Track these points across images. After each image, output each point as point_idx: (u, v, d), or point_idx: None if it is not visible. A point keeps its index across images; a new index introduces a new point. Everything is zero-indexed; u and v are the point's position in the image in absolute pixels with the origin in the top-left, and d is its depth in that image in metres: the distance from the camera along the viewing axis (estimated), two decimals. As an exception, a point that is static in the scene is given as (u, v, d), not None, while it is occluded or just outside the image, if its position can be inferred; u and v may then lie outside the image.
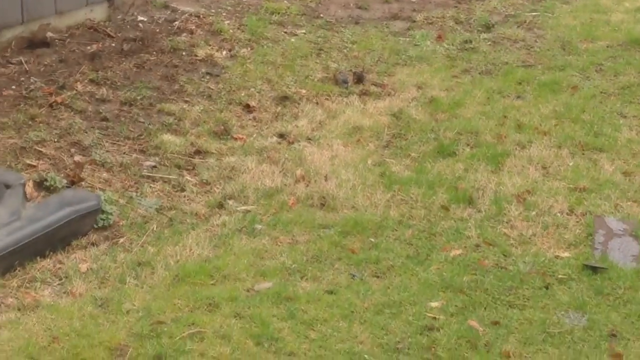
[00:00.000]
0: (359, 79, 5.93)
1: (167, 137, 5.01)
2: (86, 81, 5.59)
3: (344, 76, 5.96)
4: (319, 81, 5.95)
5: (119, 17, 6.79)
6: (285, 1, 7.50)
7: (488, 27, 7.13)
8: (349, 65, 6.22)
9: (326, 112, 5.49)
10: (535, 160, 4.83)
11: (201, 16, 6.90)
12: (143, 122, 5.20)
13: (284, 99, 5.66)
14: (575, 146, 5.01)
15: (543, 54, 6.50)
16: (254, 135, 5.17)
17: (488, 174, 4.66)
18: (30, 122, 5.00)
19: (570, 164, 4.81)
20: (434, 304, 3.54)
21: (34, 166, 4.51)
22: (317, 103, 5.63)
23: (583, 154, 4.94)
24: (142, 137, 5.03)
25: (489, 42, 6.77)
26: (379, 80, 6.00)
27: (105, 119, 5.15)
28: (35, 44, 6.06)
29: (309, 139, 5.14)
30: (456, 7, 7.66)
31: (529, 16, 7.35)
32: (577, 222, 4.23)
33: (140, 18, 6.82)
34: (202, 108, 5.42)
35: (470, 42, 6.73)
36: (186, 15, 6.90)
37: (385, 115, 5.44)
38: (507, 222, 4.20)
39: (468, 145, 5.03)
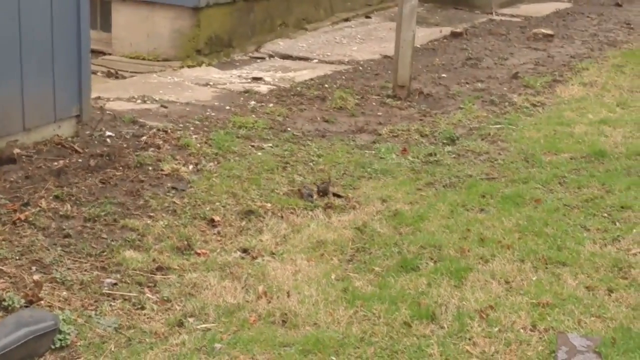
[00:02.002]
0: (324, 193, 5.97)
1: (130, 253, 4.98)
2: (50, 198, 5.58)
3: (309, 190, 6.00)
4: (284, 195, 5.98)
5: (87, 132, 6.85)
6: (253, 115, 7.61)
7: (452, 140, 7.24)
8: (315, 179, 6.27)
9: (291, 226, 5.50)
10: (498, 274, 4.83)
11: (169, 131, 6.96)
12: (106, 238, 5.17)
13: (248, 213, 5.67)
14: (538, 260, 5.03)
15: (506, 166, 6.59)
16: (217, 251, 5.15)
17: (451, 288, 4.65)
18: (-9, 240, 4.97)
19: (534, 278, 4.81)
20: None
21: (-7, 285, 4.46)
22: (281, 217, 5.65)
23: (546, 268, 4.95)
24: (104, 253, 5.00)
25: (453, 155, 6.86)
26: (343, 194, 6.04)
27: (67, 236, 5.13)
28: (2, 160, 6.07)
29: (273, 253, 5.13)
30: (421, 120, 7.79)
31: (493, 129, 7.48)
32: (540, 338, 4.20)
33: (108, 133, 6.88)
34: (166, 223, 5.41)
35: (435, 155, 6.82)
36: (154, 130, 6.97)
37: (350, 229, 5.45)
38: (469, 339, 4.16)
39: (431, 259, 5.04)
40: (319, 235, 5.34)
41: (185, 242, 5.20)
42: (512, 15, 12.58)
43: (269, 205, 5.78)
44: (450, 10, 12.58)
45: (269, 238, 5.32)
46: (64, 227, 5.22)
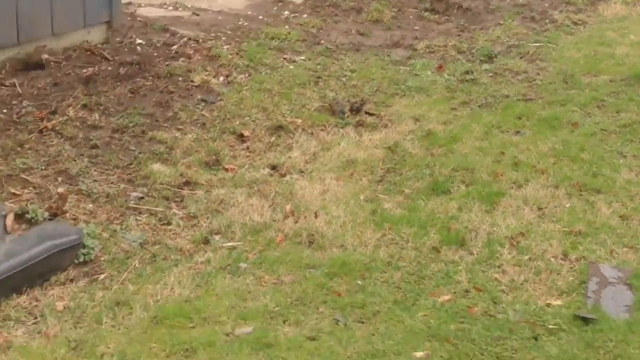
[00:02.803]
0: (357, 110, 5.84)
1: (157, 166, 4.92)
2: (79, 106, 5.51)
3: (341, 106, 5.87)
4: (315, 111, 5.86)
5: (117, 39, 6.73)
6: (286, 26, 7.43)
7: (490, 58, 7.04)
8: (347, 95, 6.13)
9: (320, 144, 5.40)
10: (531, 200, 4.72)
11: (200, 41, 6.83)
12: (133, 150, 5.11)
13: (278, 128, 5.57)
14: (572, 186, 4.90)
15: (544, 87, 6.40)
16: (246, 167, 5.08)
17: (482, 214, 4.55)
18: (18, 149, 4.91)
19: (567, 205, 4.69)
20: (418, 354, 3.42)
21: (19, 195, 4.42)
22: (311, 134, 5.54)
23: (580, 195, 4.82)
24: (131, 166, 4.94)
25: (490, 74, 6.68)
26: (376, 111, 5.91)
27: (95, 147, 5.07)
28: (30, 65, 5.99)
29: (301, 171, 5.04)
30: (459, 35, 7.58)
31: (532, 47, 7.26)
32: (571, 268, 4.11)
33: (138, 41, 6.76)
34: (194, 137, 5.33)
35: (471, 73, 6.64)
36: (185, 39, 6.83)
37: (381, 149, 5.34)
38: (498, 267, 4.08)
39: (463, 182, 4.93)
40: (349, 154, 5.24)
41: (214, 157, 5.12)
42: None
43: (299, 121, 5.68)
44: None
45: (298, 155, 5.23)
46: (92, 137, 5.16)
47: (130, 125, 5.34)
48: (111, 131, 5.29)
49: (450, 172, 5.02)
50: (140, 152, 5.07)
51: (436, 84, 6.42)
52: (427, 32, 7.61)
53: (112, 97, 5.73)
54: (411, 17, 7.95)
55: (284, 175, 5.02)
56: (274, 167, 5.11)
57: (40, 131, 5.14)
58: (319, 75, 6.42)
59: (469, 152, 5.28)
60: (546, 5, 8.57)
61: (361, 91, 6.23)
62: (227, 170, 5.03)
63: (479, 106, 6.05)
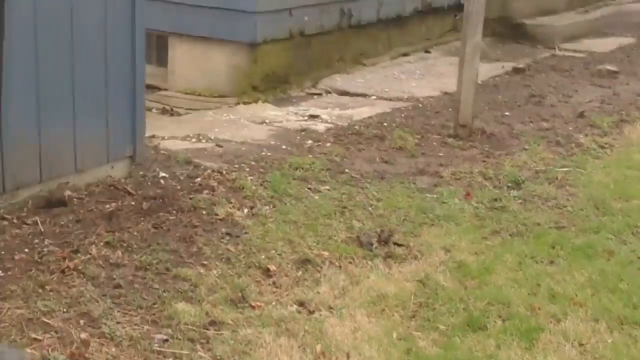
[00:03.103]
0: (385, 241, 5.71)
1: (182, 306, 4.77)
2: (101, 244, 5.41)
3: (368, 237, 5.74)
4: (342, 242, 5.73)
5: (140, 173, 6.69)
6: (309, 155, 7.39)
7: (518, 184, 6.94)
8: (374, 225, 6.01)
9: (349, 277, 5.25)
10: (571, 336, 4.52)
11: (223, 172, 6.78)
12: (157, 288, 4.97)
13: (305, 262, 5.43)
14: (613, 320, 4.70)
15: (576, 214, 6.26)
16: (273, 303, 4.92)
17: (521, 351, 4.35)
18: (39, 290, 4.80)
19: (609, 340, 4.49)
20: None
21: (40, 340, 4.27)
22: (339, 267, 5.40)
23: (622, 329, 4.62)
24: (155, 305, 4.79)
25: (519, 201, 6.55)
26: (404, 242, 5.77)
27: (118, 286, 4.94)
28: (52, 203, 5.93)
29: (331, 308, 4.87)
30: (484, 161, 7.50)
31: (560, 172, 7.16)
32: (620, 409, 3.89)
33: (161, 174, 6.71)
34: (219, 272, 5.19)
35: (500, 200, 6.52)
36: (208, 171, 6.79)
37: (412, 282, 5.18)
38: (543, 410, 3.87)
39: (500, 317, 4.74)
40: (379, 288, 5.08)
41: (240, 294, 4.97)
42: (575, 51, 12.22)
43: (326, 253, 5.54)
44: (512, 45, 12.27)
45: (327, 290, 5.07)
46: (115, 276, 5.04)
47: (154, 262, 5.22)
48: (134, 269, 5.17)
49: (486, 306, 4.84)
50: (164, 291, 4.93)
51: (465, 212, 6.30)
52: (452, 158, 7.54)
53: (135, 233, 5.64)
54: (435, 143, 7.90)
55: (312, 312, 4.85)
56: (302, 304, 4.95)
57: (62, 271, 5.03)
58: (344, 205, 6.32)
59: (503, 284, 5.11)
60: (570, 129, 8.52)
61: (388, 221, 6.11)
62: (253, 307, 4.87)
63: (510, 235, 5.91)
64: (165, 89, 9.61)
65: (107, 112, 6.35)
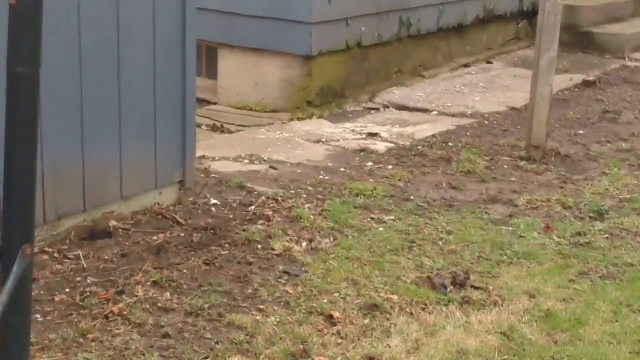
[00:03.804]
0: (460, 284, 5.13)
1: (237, 359, 4.25)
2: (148, 283, 4.92)
3: (442, 279, 5.17)
4: (412, 283, 5.16)
5: (190, 199, 6.21)
6: (370, 179, 6.84)
7: (601, 214, 6.32)
8: (446, 263, 5.44)
9: (422, 327, 4.68)
10: (687, 407, 3.91)
11: (279, 199, 6.25)
12: (210, 338, 4.45)
13: (372, 307, 4.87)
14: None
15: (672, 253, 5.65)
16: (338, 358, 4.37)
17: None
18: (80, 339, 4.31)
19: None
20: None
21: (78, 404, 3.78)
22: (411, 313, 4.83)
23: None
24: (207, 359, 4.27)
25: (605, 235, 5.93)
26: (482, 284, 5.19)
27: (166, 335, 4.43)
28: (96, 234, 5.46)
29: (404, 367, 4.32)
30: (561, 187, 6.89)
31: (647, 201, 6.53)
32: None
33: (212, 201, 6.21)
34: (277, 319, 4.66)
35: (584, 234, 5.91)
36: (263, 198, 6.27)
37: (494, 334, 4.59)
38: None
39: (599, 380, 4.15)
40: (457, 341, 4.51)
41: (301, 346, 4.43)
42: (647, 61, 11.54)
43: (395, 297, 4.98)
44: (579, 55, 11.59)
45: (398, 343, 4.50)
46: (162, 323, 4.53)
47: (206, 306, 4.71)
48: (184, 314, 4.65)
49: (582, 368, 4.25)
50: (217, 342, 4.41)
51: (546, 248, 5.70)
52: (525, 184, 6.94)
53: (185, 270, 5.13)
54: (506, 166, 7.30)
55: (383, 371, 4.30)
56: (370, 359, 4.39)
57: (106, 316, 4.54)
58: (412, 240, 5.76)
59: (599, 340, 4.51)
60: (652, 149, 7.87)
61: (461, 258, 5.53)
62: (317, 363, 4.33)
63: (601, 277, 5.30)
64: (215, 103, 9.13)
65: (155, 133, 5.86)
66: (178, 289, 4.88)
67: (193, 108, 6.14)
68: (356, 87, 9.30)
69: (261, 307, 4.78)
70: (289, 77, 8.75)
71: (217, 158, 7.18)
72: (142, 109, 5.74)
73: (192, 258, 5.29)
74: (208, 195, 6.29)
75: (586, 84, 10.20)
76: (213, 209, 6.10)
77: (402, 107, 9.19)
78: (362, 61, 9.34)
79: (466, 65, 10.84)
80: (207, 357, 4.27)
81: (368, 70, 9.48)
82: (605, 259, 5.54)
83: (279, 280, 5.11)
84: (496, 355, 4.40)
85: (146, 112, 5.77)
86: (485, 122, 8.68)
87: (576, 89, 10.05)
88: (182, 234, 5.63)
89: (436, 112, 9.02)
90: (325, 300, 4.89)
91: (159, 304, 4.71)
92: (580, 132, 8.40)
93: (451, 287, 5.11)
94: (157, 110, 5.83)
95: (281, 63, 8.78)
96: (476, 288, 5.13)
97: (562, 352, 4.37)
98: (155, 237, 5.53)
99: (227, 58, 9.04)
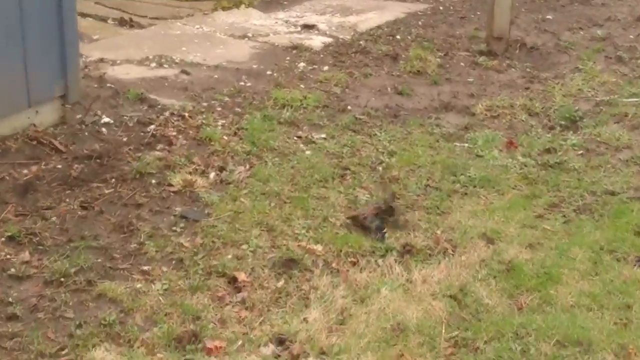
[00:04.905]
0: (399, 225, 4.09)
1: (102, 354, 3.21)
2: (3, 239, 3.83)
3: (378, 220, 4.12)
4: (342, 227, 4.12)
5: (77, 116, 5.08)
6: (301, 85, 5.71)
7: (574, 122, 5.28)
8: (386, 195, 4.39)
9: (351, 291, 3.65)
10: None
11: (186, 115, 5.13)
12: (71, 319, 3.40)
13: (289, 263, 3.83)
14: None
15: (662, 174, 4.63)
16: (239, 343, 3.34)
17: None
18: None
19: None
20: None
21: None
22: (337, 271, 3.80)
23: None
24: (63, 352, 3.24)
25: (580, 151, 4.91)
26: (429, 223, 4.16)
27: (13, 318, 3.37)
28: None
29: (323, 353, 3.30)
30: (527, 88, 5.81)
31: (628, 105, 5.48)
32: None
33: (104, 120, 5.08)
34: (165, 286, 3.61)
35: (554, 151, 4.88)
36: (167, 113, 5.15)
37: (441, 299, 3.58)
38: None
39: (575, 367, 3.17)
40: (394, 312, 3.49)
41: (191, 326, 3.40)
42: None
43: (319, 248, 3.94)
44: None
45: (318, 316, 3.48)
46: (11, 298, 3.47)
47: (72, 271, 3.64)
48: (43, 284, 3.59)
49: (554, 349, 3.26)
50: (80, 324, 3.36)
51: (508, 171, 4.66)
52: (485, 84, 5.85)
53: (54, 217, 4.05)
54: (462, 63, 6.19)
55: (297, 357, 3.29)
56: (281, 342, 3.37)
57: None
58: (345, 165, 4.69)
59: (575, 304, 3.52)
60: (631, 37, 6.79)
61: (405, 188, 4.49)
62: (210, 351, 3.30)
63: (575, 211, 4.28)
64: (129, -10, 7.83)
65: (22, 39, 4.66)
66: (40, 247, 3.81)
67: (72, 7, 4.91)
68: (293, -33, 8.03)
69: (145, 268, 3.73)
70: (212, -42, 7.48)
71: (118, 61, 5.98)
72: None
73: (67, 199, 4.21)
74: (99, 112, 5.14)
75: (556, -41, 8.97)
76: (104, 129, 4.96)
77: (346, -9, 7.96)
78: (299, -62, 8.04)
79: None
80: (62, 350, 3.23)
81: (306, -52, 8.18)
82: (580, 184, 4.51)
83: (174, 228, 4.04)
84: (443, 330, 3.39)
85: (6, 14, 4.55)
86: (440, 7, 7.51)
87: (545, -35, 8.83)
88: (60, 166, 4.52)
89: (385, -3, 7.83)
90: (229, 256, 3.84)
91: (12, 270, 3.63)
92: (548, 17, 7.27)
93: (387, 228, 4.07)
94: (23, 11, 4.61)
95: (202, -58, 7.48)
96: (421, 230, 4.09)
97: (529, 325, 3.37)
98: (25, 171, 4.43)
99: (139, -63, 7.70)
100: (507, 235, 4.03)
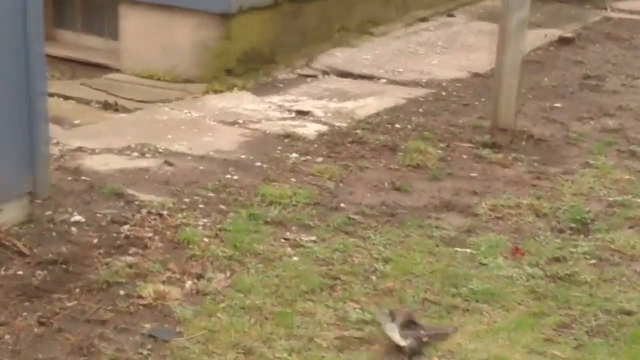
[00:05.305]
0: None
1: None
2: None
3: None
4: (329, 348, 3.69)
5: (47, 213, 4.70)
6: (292, 179, 5.33)
7: (585, 225, 4.88)
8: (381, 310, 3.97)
9: None
10: None
11: (165, 214, 4.74)
12: None
13: (268, 397, 3.41)
14: None
15: (684, 290, 4.20)
16: None
17: None
18: None
19: None
20: None
21: None
22: (323, 407, 3.37)
23: None
24: None
25: (592, 261, 4.48)
26: (426, 348, 3.72)
27: None
28: None
29: None
30: (534, 185, 5.42)
31: (644, 207, 5.09)
32: None
33: (75, 218, 4.70)
34: None
35: (564, 260, 4.45)
36: (144, 211, 4.77)
37: None
38: None
39: None
40: None
41: None
42: (632, 12, 9.99)
43: (302, 376, 3.52)
44: (554, 5, 10.03)
45: None
46: None
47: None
48: None
49: None
50: None
51: (514, 284, 4.24)
52: (489, 181, 5.46)
53: (7, 335, 3.63)
54: (465, 156, 5.81)
55: None
56: None
57: None
58: (335, 274, 4.28)
59: None
60: (644, 128, 6.41)
61: (400, 301, 4.07)
62: None
63: (588, 333, 3.84)
64: (118, 70, 7.51)
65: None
66: (-13, 373, 3.39)
67: (43, 92, 4.58)
68: (289, 50, 7.72)
69: (104, 402, 3.31)
70: (204, 40, 7.15)
71: (98, 150, 5.62)
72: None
73: (25, 313, 3.81)
74: (70, 209, 4.76)
75: (563, 41, 8.68)
76: (73, 229, 4.58)
77: (344, 74, 7.63)
78: (296, 18, 7.74)
79: (423, 20, 9.26)
80: None
81: (304, 29, 7.89)
82: (593, 301, 4.08)
83: (140, 350, 3.62)
84: None
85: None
86: (443, 92, 7.15)
87: (551, 48, 8.52)
88: (21, 272, 4.14)
89: (385, 80, 7.48)
90: (199, 387, 3.42)
91: (-50, 404, 3.21)
92: (557, 104, 6.90)
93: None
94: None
95: (194, 23, 7.16)
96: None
97: None
98: (-18, 279, 4.03)
99: (130, 17, 7.39)
100: (513, 364, 3.60)
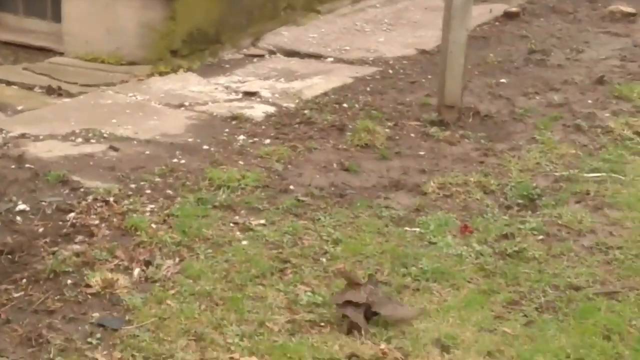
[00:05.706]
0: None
1: None
2: None
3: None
4: (280, 332, 3.68)
5: (-9, 204, 4.60)
6: (240, 162, 5.29)
7: (532, 201, 4.92)
8: (329, 292, 3.97)
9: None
10: None
11: (111, 200, 4.68)
12: None
13: (219, 384, 3.39)
14: None
15: (629, 265, 4.24)
16: None
17: None
18: None
19: None
20: None
21: None
22: (274, 392, 3.36)
23: None
24: None
25: (540, 236, 4.52)
26: (377, 329, 3.73)
27: None
28: None
29: None
30: (482, 162, 5.45)
31: (590, 181, 5.13)
32: None
33: (20, 207, 4.63)
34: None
35: (512, 236, 4.49)
36: (90, 198, 4.70)
37: None
38: None
39: None
40: None
41: None
42: (576, -15, 10.06)
43: (253, 361, 3.51)
44: (499, -20, 10.09)
45: None
46: None
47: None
48: None
49: None
50: None
51: (463, 262, 4.27)
52: (437, 159, 5.48)
53: (-48, 330, 3.56)
54: (413, 135, 5.82)
55: None
56: None
57: None
58: (285, 257, 4.26)
59: None
60: (590, 102, 6.48)
61: (351, 281, 4.06)
62: None
63: (538, 309, 3.88)
64: (62, 53, 7.38)
65: None
66: None
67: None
68: (236, 29, 7.66)
69: (53, 393, 3.26)
70: (149, 21, 7.05)
71: (41, 137, 5.53)
72: None
73: (-29, 306, 3.73)
74: (15, 198, 4.68)
75: (508, 15, 8.72)
76: (18, 218, 4.50)
77: (291, 53, 7.60)
78: (242, -3, 7.69)
79: (370, -4, 9.26)
80: None
81: (250, 8, 7.83)
82: (541, 277, 4.12)
83: (89, 340, 3.57)
84: None
85: None
86: (390, 70, 7.15)
87: (497, 23, 8.57)
88: (-35, 264, 4.05)
89: (332, 59, 7.46)
90: (150, 375, 3.39)
91: None
92: (502, 80, 6.94)
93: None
94: None
95: (138, 3, 7.06)
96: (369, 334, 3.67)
97: None
98: None
99: (71, -1, 7.28)
100: (464, 341, 3.62)
